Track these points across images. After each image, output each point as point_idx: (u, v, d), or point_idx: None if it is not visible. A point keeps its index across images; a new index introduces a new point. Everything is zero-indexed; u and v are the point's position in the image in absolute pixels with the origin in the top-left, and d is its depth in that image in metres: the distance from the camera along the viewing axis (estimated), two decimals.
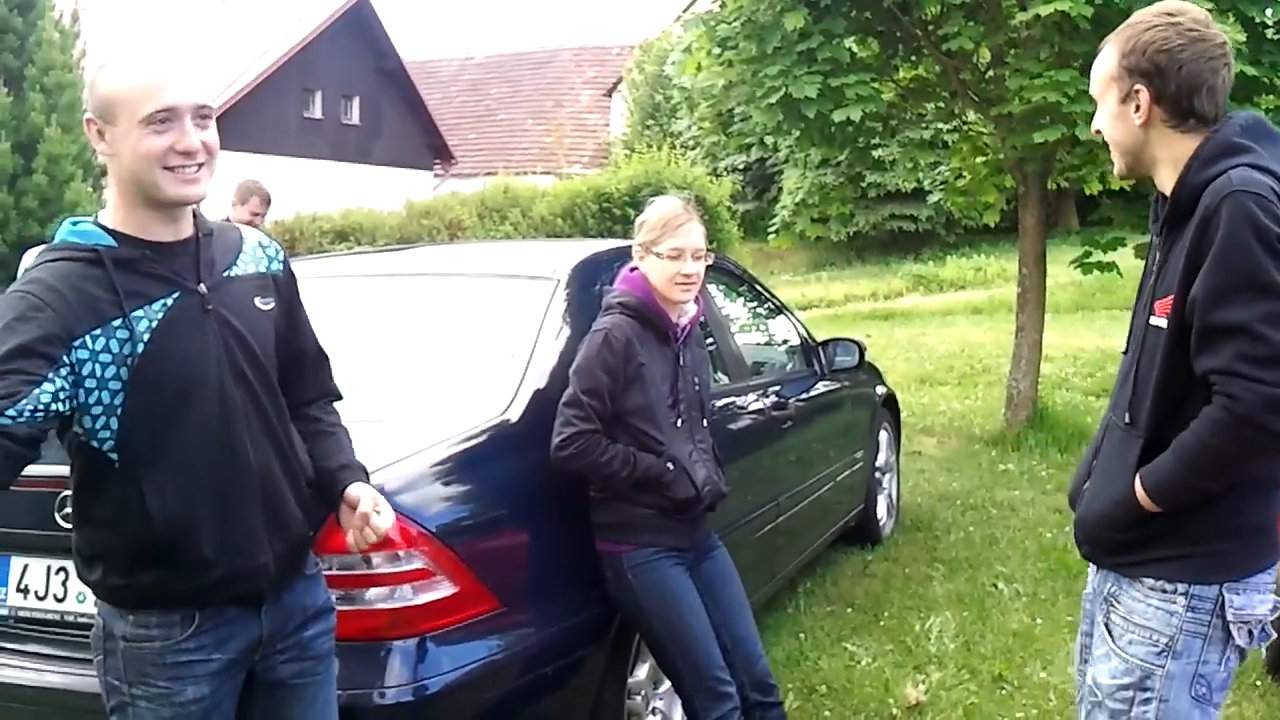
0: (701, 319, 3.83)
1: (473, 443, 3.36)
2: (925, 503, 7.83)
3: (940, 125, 11.11)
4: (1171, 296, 2.34)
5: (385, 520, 2.55)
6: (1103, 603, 2.54)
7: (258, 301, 2.47)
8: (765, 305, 5.97)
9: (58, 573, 3.19)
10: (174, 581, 2.34)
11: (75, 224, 2.35)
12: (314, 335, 2.70)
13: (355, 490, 2.57)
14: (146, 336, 2.26)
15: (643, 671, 3.72)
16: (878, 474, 6.82)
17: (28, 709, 3.19)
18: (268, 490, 2.42)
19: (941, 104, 10.25)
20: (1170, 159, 2.43)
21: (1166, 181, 2.44)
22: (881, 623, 5.46)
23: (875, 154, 10.85)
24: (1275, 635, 2.52)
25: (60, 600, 3.19)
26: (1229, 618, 2.38)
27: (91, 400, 2.24)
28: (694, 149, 28.43)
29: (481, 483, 3.34)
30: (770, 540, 4.90)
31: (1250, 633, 2.41)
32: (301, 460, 2.56)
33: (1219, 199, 2.25)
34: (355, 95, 29.26)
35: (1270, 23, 8.44)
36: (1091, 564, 2.64)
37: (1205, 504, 2.35)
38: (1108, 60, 2.48)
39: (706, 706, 3.43)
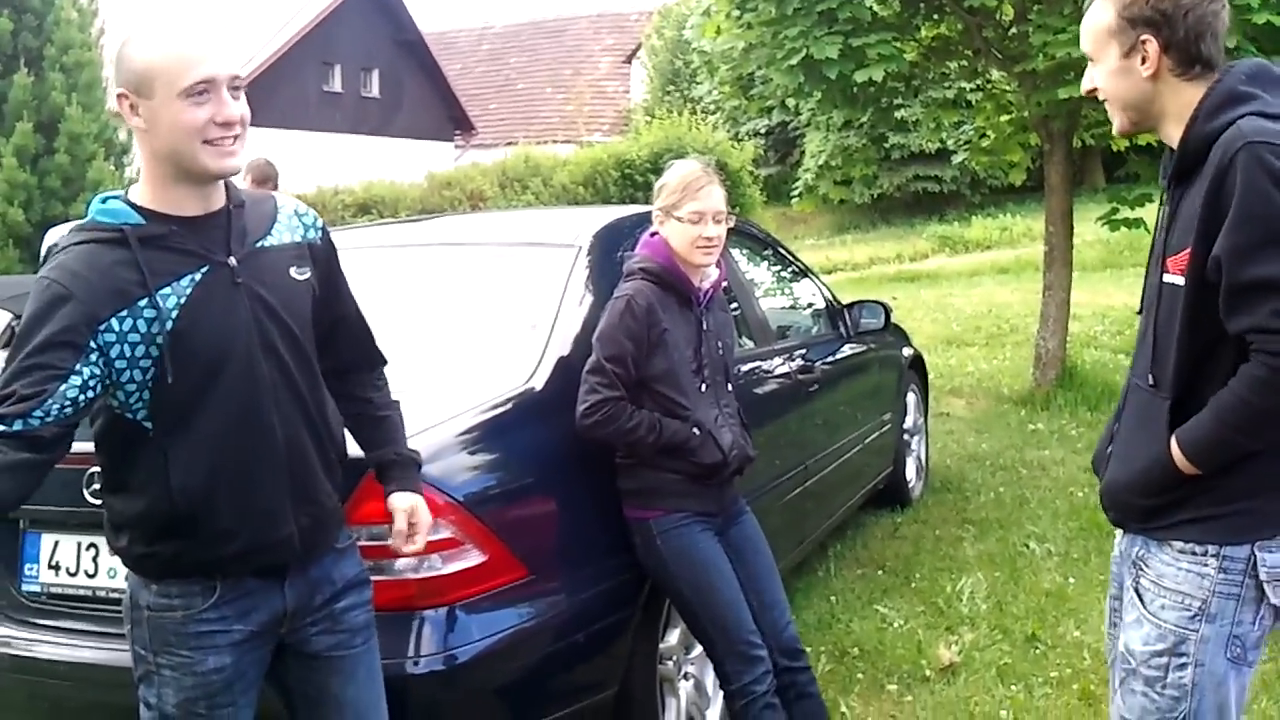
0: (724, 283, 3.80)
1: (498, 411, 3.35)
2: (954, 464, 7.80)
3: (963, 84, 11.06)
4: (1187, 252, 2.26)
5: (417, 544, 2.64)
6: (1131, 566, 2.48)
7: (293, 271, 2.46)
8: (789, 269, 5.94)
9: (88, 549, 3.21)
10: (194, 552, 2.36)
11: (104, 201, 2.34)
12: (354, 301, 2.69)
13: (395, 502, 2.63)
14: (175, 314, 2.26)
15: (674, 637, 3.72)
16: (906, 436, 6.79)
17: (61, 684, 3.21)
18: (295, 464, 2.42)
19: (965, 62, 10.16)
20: (1178, 110, 2.34)
21: (1174, 134, 2.35)
22: (913, 584, 5.45)
23: (898, 114, 10.75)
24: None
25: (91, 576, 3.21)
26: (1262, 577, 2.31)
27: (124, 379, 2.26)
28: (715, 114, 28.34)
29: (507, 451, 3.34)
30: (799, 504, 4.88)
31: None
32: (334, 434, 2.56)
33: (1233, 151, 2.18)
34: (374, 68, 29.22)
35: None
36: (1119, 528, 2.58)
37: (1233, 463, 2.29)
38: (1104, 15, 2.38)
39: (738, 670, 3.43)
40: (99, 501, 3.02)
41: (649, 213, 3.71)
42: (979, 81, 10.60)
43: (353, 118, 28.02)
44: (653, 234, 3.62)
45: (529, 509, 3.34)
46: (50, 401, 2.17)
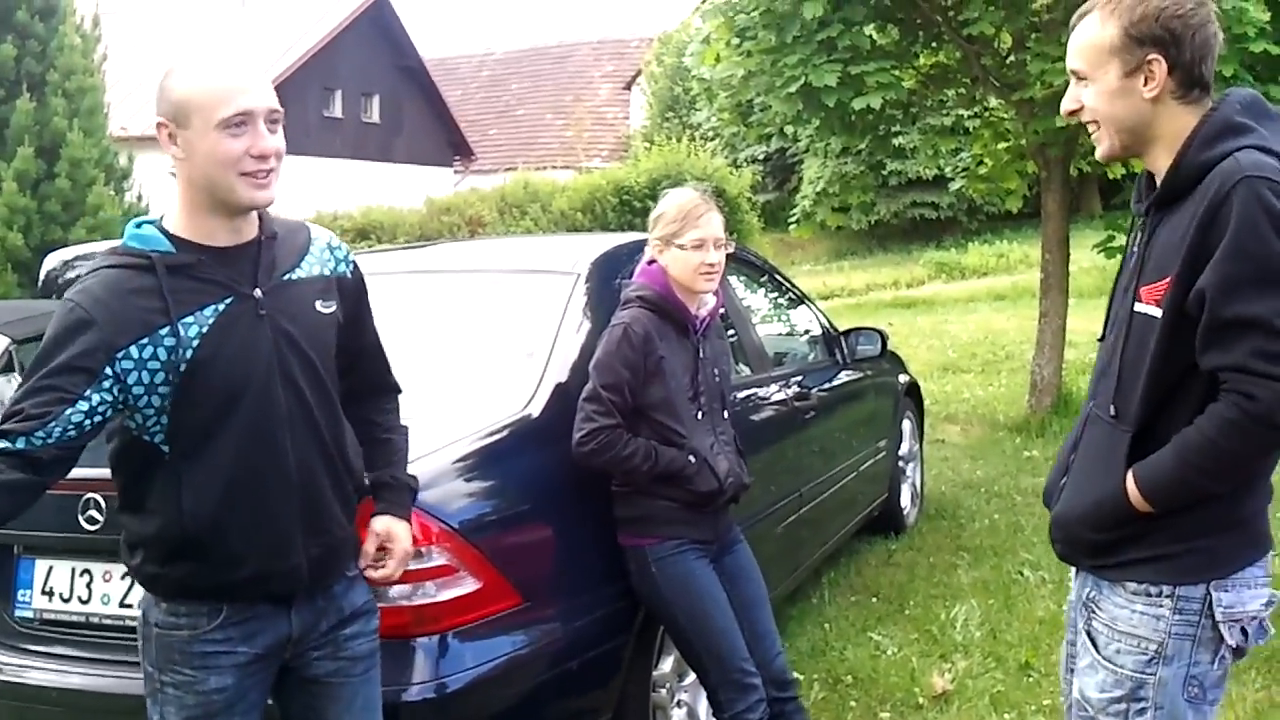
0: (721, 310, 3.82)
1: (494, 439, 3.36)
2: (949, 491, 7.80)
3: (961, 111, 11.06)
4: (1166, 281, 2.19)
5: (388, 570, 2.66)
6: (1083, 608, 2.41)
7: (318, 305, 2.49)
8: (786, 295, 5.96)
9: (82, 575, 3.22)
10: (203, 575, 2.39)
11: (139, 226, 2.38)
12: (375, 334, 2.72)
13: (373, 525, 2.65)
14: (196, 343, 2.31)
15: (667, 664, 3.72)
16: (901, 463, 6.79)
17: (54, 710, 3.20)
18: (308, 495, 2.45)
19: (962, 90, 10.20)
20: (1171, 135, 2.26)
21: (1161, 160, 2.28)
22: (906, 612, 5.44)
23: (896, 142, 10.81)
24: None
25: (85, 602, 3.21)
26: (1218, 617, 2.25)
27: (142, 403, 2.31)
28: (713, 140, 28.42)
29: (504, 478, 3.34)
30: (794, 531, 4.89)
31: (1244, 630, 2.28)
32: (352, 465, 2.58)
33: (1230, 184, 2.11)
34: (375, 93, 29.30)
35: None
36: (1071, 567, 2.51)
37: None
38: (1104, 32, 2.25)
39: (732, 699, 3.43)
40: (94, 528, 3.06)
41: (647, 240, 3.73)
42: (977, 109, 10.63)
43: (353, 143, 28.08)
44: (650, 262, 3.63)
45: (524, 536, 3.35)
46: (54, 424, 2.22)
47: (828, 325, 6.09)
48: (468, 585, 3.04)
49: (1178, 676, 2.28)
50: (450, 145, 32.18)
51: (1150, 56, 2.23)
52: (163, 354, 2.28)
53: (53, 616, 3.25)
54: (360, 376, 2.68)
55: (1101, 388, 2.38)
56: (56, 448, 2.24)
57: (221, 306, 2.34)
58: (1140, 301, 2.26)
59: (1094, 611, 2.37)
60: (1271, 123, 2.26)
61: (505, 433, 3.41)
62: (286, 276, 2.45)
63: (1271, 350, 2.08)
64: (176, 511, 2.34)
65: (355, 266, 2.64)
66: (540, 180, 23.44)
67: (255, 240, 2.42)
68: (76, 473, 3.04)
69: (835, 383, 5.76)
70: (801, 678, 4.56)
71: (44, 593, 3.26)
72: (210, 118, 2.27)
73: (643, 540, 3.48)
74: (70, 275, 8.26)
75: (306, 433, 2.43)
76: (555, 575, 3.40)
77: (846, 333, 6.08)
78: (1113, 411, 2.32)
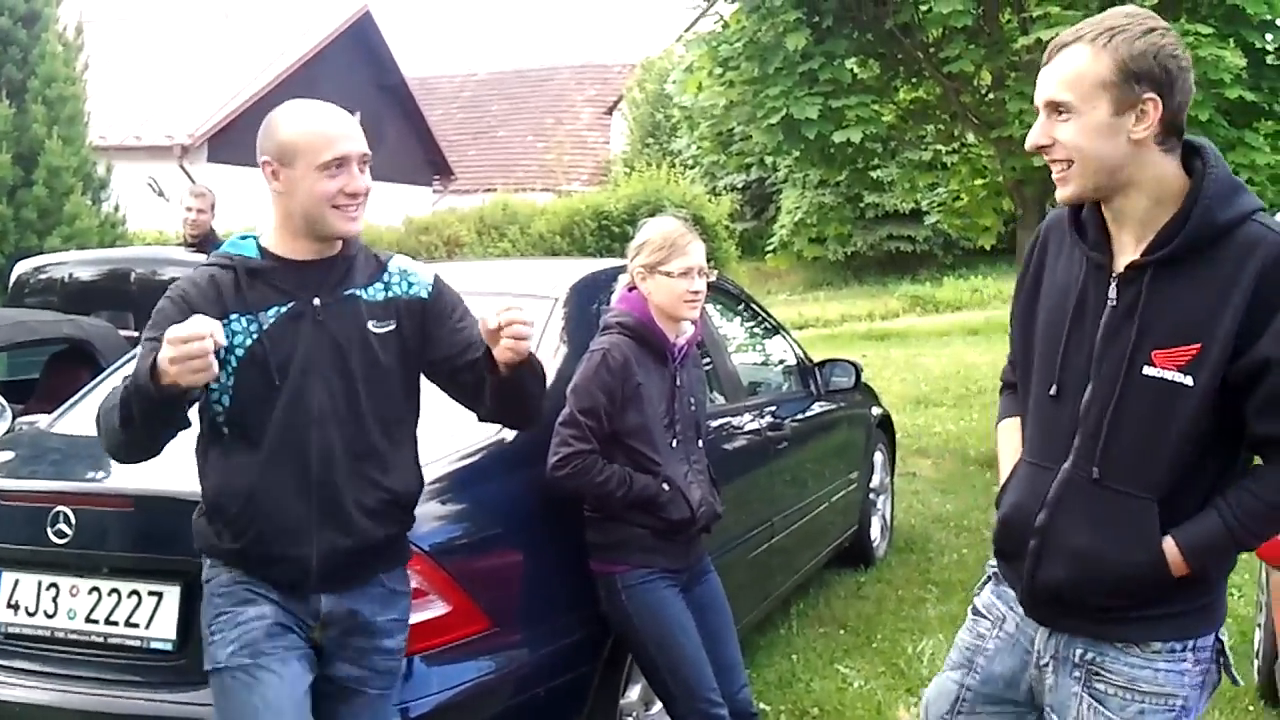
0: (699, 339, 3.83)
1: (467, 461, 3.35)
2: (919, 524, 7.81)
3: (940, 147, 11.14)
4: (1195, 348, 2.10)
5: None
6: (1073, 669, 2.30)
7: (372, 324, 2.68)
8: (762, 325, 5.98)
9: (48, 589, 3.18)
10: (226, 543, 2.64)
11: (242, 238, 2.71)
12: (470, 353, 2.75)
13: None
14: (255, 335, 2.58)
15: (634, 693, 3.71)
16: (872, 495, 6.81)
17: None
18: (326, 493, 2.61)
19: (942, 126, 10.28)
20: (1152, 181, 2.16)
21: (1142, 207, 2.17)
22: (874, 644, 5.45)
23: (874, 175, 10.87)
24: (1268, 659, 2.44)
25: (50, 616, 3.18)
26: (1225, 660, 2.28)
27: (221, 375, 2.55)
28: (693, 168, 28.48)
29: (476, 502, 3.34)
30: (764, 561, 4.89)
31: None
32: (390, 478, 2.68)
33: (1275, 254, 2.07)
34: (356, 110, 28.84)
35: (1270, 48, 8.47)
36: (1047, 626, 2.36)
37: None
38: (1096, 65, 2.12)
39: None
40: (63, 541, 3.06)
41: (625, 266, 3.73)
42: (955, 145, 10.72)
43: None
44: (630, 288, 3.64)
45: (495, 560, 3.35)
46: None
47: (802, 356, 6.11)
48: (436, 609, 3.03)
49: None
50: (429, 164, 32.13)
51: (1146, 96, 2.11)
52: (229, 337, 2.55)
53: (17, 630, 3.22)
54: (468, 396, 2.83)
55: (1092, 451, 2.22)
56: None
57: (284, 309, 2.61)
58: (1153, 365, 2.15)
59: (1099, 674, 2.28)
60: None
61: (479, 456, 3.41)
62: (349, 292, 2.67)
63: None
64: (214, 483, 2.63)
65: (434, 291, 2.78)
66: (519, 202, 23.42)
67: (333, 257, 2.67)
68: (47, 485, 3.05)
69: (809, 414, 5.78)
70: (768, 709, 4.55)
71: (9, 605, 3.23)
72: (313, 160, 2.56)
73: (614, 567, 3.48)
74: (40, 278, 8.14)
75: (335, 436, 2.61)
76: (524, 600, 3.39)
77: (821, 364, 6.09)
78: (1125, 481, 2.19)
